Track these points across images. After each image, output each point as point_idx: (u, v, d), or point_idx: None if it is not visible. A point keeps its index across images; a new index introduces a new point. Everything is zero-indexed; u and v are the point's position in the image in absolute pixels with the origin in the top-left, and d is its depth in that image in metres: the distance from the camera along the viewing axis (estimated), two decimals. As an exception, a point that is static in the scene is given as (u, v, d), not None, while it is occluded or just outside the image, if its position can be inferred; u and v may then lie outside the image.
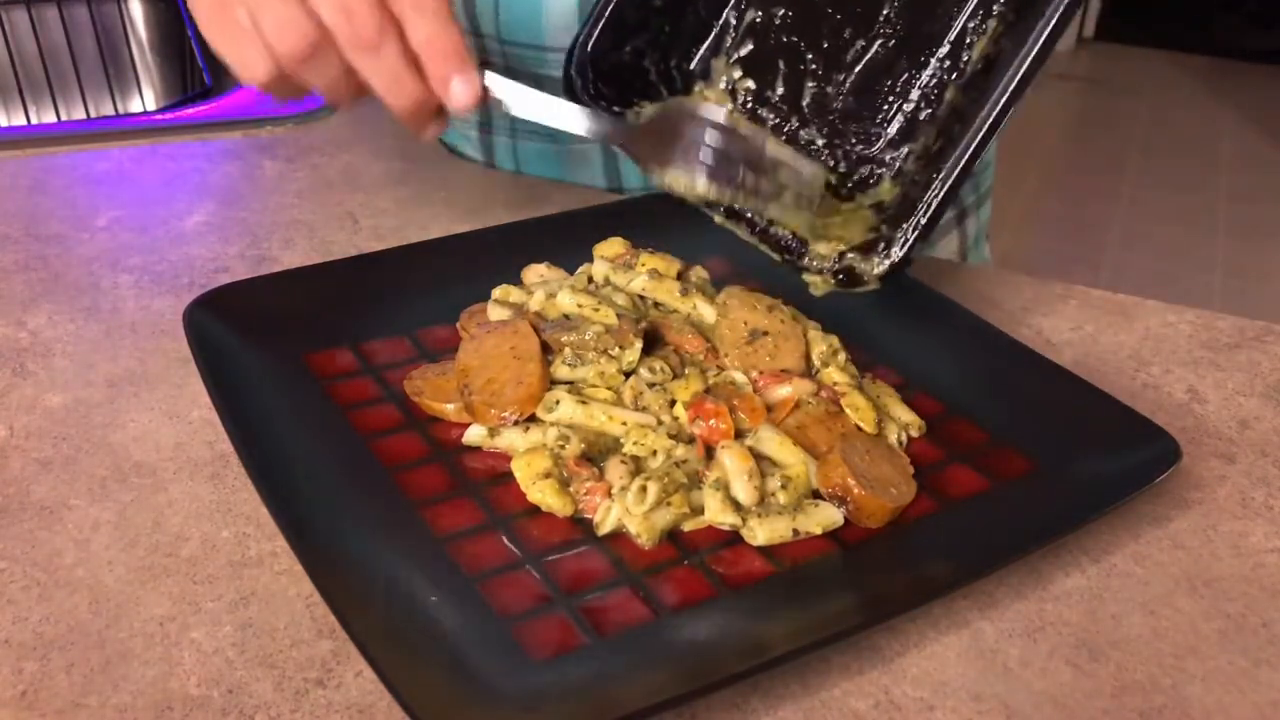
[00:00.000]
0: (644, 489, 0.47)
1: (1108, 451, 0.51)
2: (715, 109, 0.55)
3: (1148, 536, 0.50)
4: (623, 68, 0.63)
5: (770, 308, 0.57)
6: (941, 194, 0.53)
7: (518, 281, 0.62)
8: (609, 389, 0.52)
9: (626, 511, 0.47)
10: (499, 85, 0.53)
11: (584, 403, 0.51)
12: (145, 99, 1.15)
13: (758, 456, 0.49)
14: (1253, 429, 0.57)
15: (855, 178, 0.61)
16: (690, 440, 0.50)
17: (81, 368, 0.59)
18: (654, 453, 0.49)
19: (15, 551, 0.48)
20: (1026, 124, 3.45)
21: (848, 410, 0.52)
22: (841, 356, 0.55)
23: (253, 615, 0.45)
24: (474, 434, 0.52)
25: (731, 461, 0.48)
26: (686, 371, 0.53)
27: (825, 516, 0.48)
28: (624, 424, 0.50)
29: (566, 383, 0.53)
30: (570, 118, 0.55)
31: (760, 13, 0.64)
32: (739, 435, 0.50)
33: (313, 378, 0.55)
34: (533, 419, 0.51)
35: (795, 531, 0.47)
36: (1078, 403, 0.54)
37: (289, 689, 0.41)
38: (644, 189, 0.79)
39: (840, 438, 0.51)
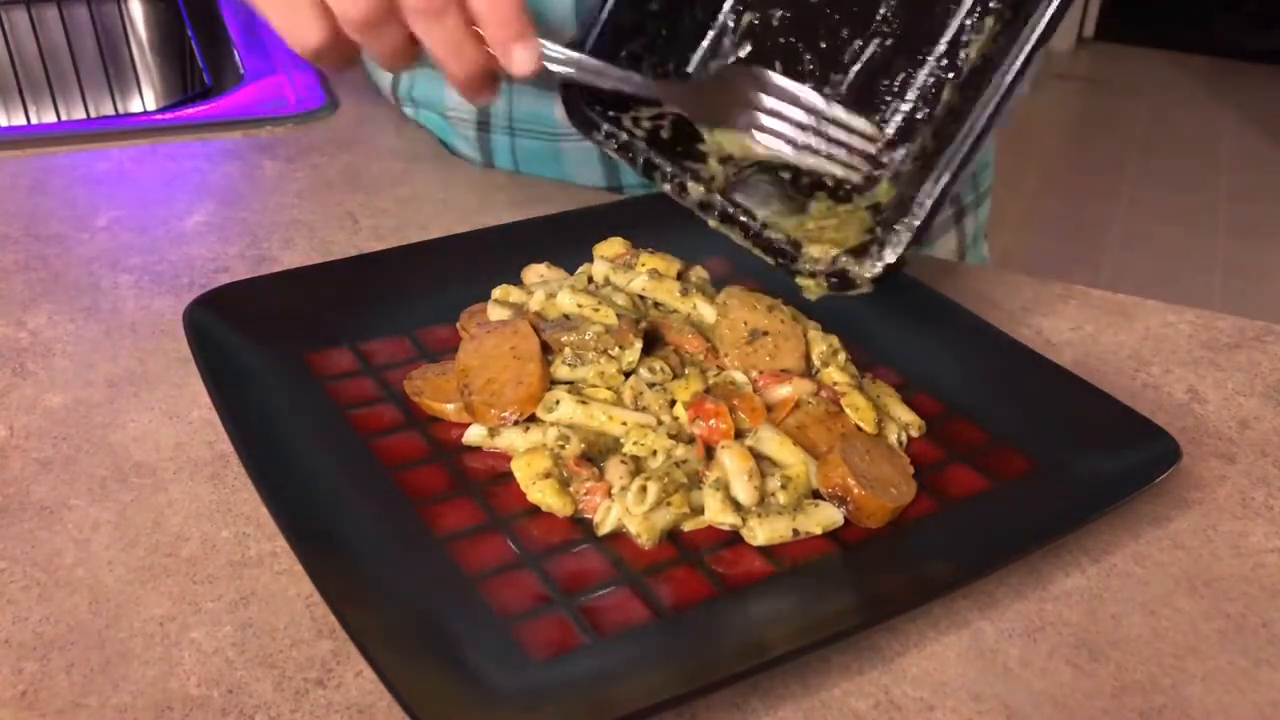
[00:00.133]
0: (644, 489, 0.47)
1: (1108, 451, 0.51)
2: (777, 75, 0.57)
3: (1148, 536, 0.50)
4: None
5: (770, 308, 0.57)
6: (935, 196, 0.53)
7: (518, 281, 0.62)
8: (609, 389, 0.52)
9: (626, 511, 0.47)
10: (555, 52, 0.54)
11: (584, 403, 0.51)
12: (145, 99, 1.15)
13: (758, 456, 0.49)
14: (1253, 429, 0.57)
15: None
16: (690, 440, 0.50)
17: (81, 368, 0.60)
18: (654, 453, 0.49)
19: (15, 551, 0.48)
20: (1026, 124, 3.46)
21: (848, 410, 0.52)
22: (841, 356, 0.55)
23: (253, 615, 0.45)
24: (474, 434, 0.52)
25: (731, 461, 0.48)
26: (686, 371, 0.53)
27: (825, 516, 0.48)
28: (624, 424, 0.50)
29: (566, 383, 0.53)
30: (624, 80, 0.57)
31: (758, 14, 0.64)
32: (739, 435, 0.50)
33: (313, 378, 0.55)
34: (533, 419, 0.51)
35: (795, 531, 0.47)
36: (1078, 403, 0.54)
37: (289, 689, 0.41)
38: (643, 188, 0.79)
39: (840, 438, 0.51)
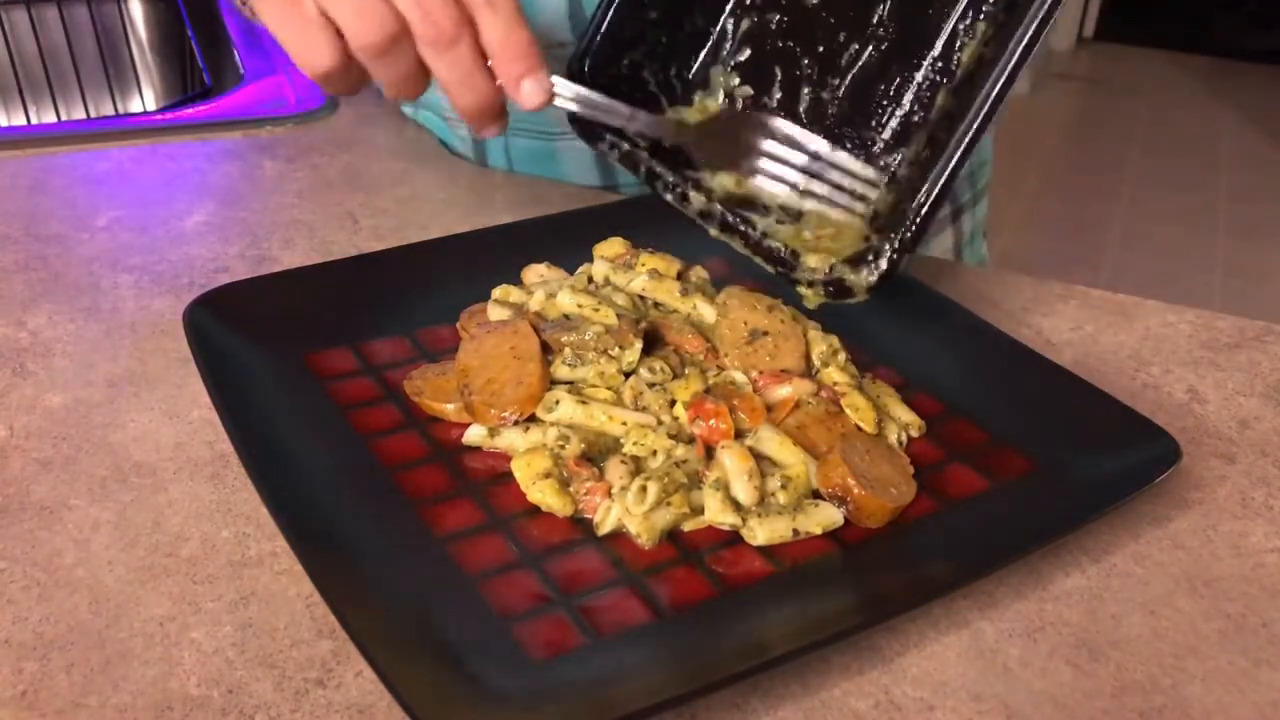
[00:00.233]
0: (644, 489, 0.47)
1: (1108, 451, 0.51)
2: (780, 119, 0.58)
3: (1148, 536, 0.50)
4: (621, 80, 0.63)
5: (770, 308, 0.57)
6: (929, 201, 0.54)
7: (518, 281, 0.62)
8: (609, 389, 0.52)
9: (626, 511, 0.47)
10: (564, 88, 0.54)
11: (584, 403, 0.51)
12: (145, 99, 1.15)
13: (758, 456, 0.49)
14: (1253, 429, 0.57)
15: None
16: (690, 440, 0.50)
17: (81, 368, 0.60)
18: (654, 453, 0.49)
19: (15, 551, 0.48)
20: (1026, 124, 3.46)
21: (848, 410, 0.52)
22: (841, 356, 0.55)
23: (253, 615, 0.45)
24: (474, 434, 0.52)
25: (731, 461, 0.48)
26: (686, 371, 0.53)
27: (825, 516, 0.48)
28: (624, 424, 0.50)
29: (566, 383, 0.53)
30: (631, 118, 0.56)
31: (756, 18, 0.64)
32: (739, 435, 0.50)
33: (313, 378, 0.55)
34: (533, 419, 0.51)
35: (795, 531, 0.47)
36: (1078, 403, 0.54)
37: (289, 689, 0.41)
38: (638, 188, 0.79)
39: (840, 438, 0.51)
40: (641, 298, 0.59)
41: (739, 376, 0.53)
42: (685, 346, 0.55)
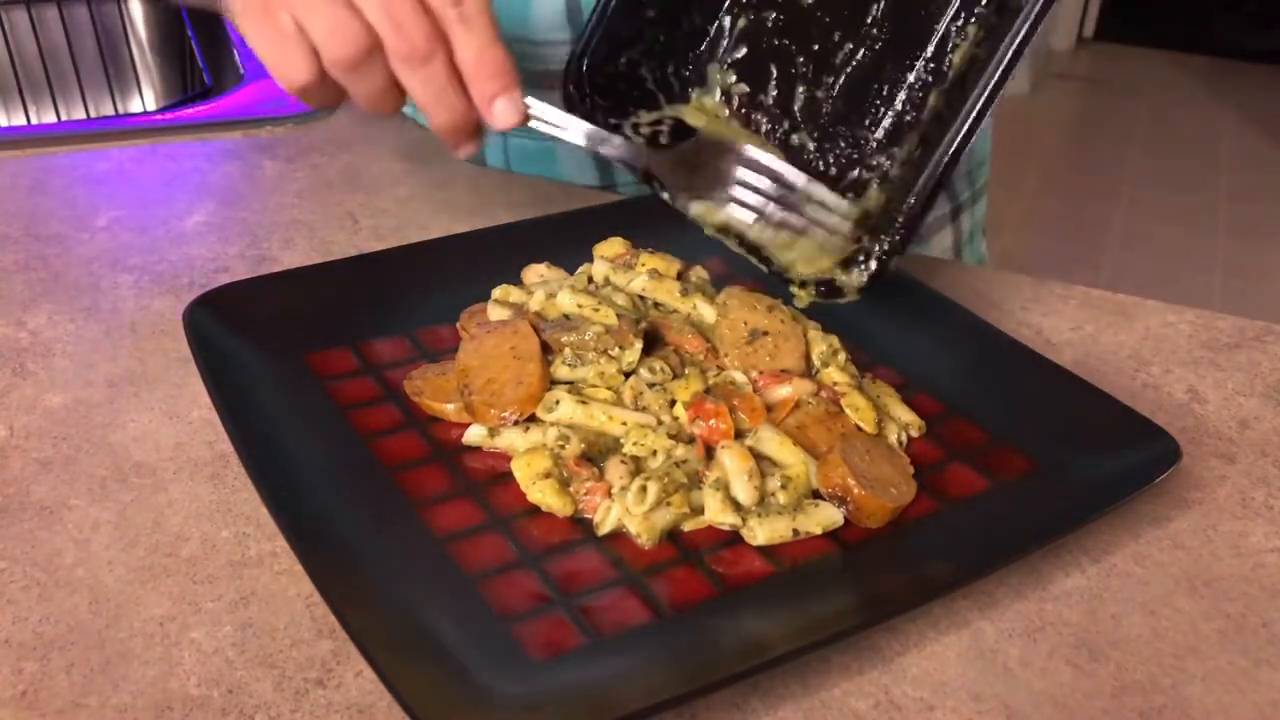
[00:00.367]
0: (644, 489, 0.47)
1: (1108, 451, 0.51)
2: (750, 146, 0.57)
3: (1148, 536, 0.50)
4: (619, 78, 0.63)
5: (770, 308, 0.57)
6: (920, 201, 0.54)
7: (518, 281, 0.62)
8: (609, 389, 0.52)
9: (626, 511, 0.47)
10: (539, 109, 0.53)
11: (584, 403, 0.51)
12: (145, 99, 1.15)
13: (758, 456, 0.49)
14: (1253, 429, 0.57)
15: (845, 182, 0.61)
16: (690, 440, 0.50)
17: (81, 368, 0.60)
18: (654, 453, 0.49)
19: (15, 551, 0.48)
20: (1026, 124, 3.46)
21: (848, 410, 0.52)
22: (841, 356, 0.55)
23: (253, 615, 0.45)
24: (474, 434, 0.52)
25: (731, 461, 0.48)
26: (686, 371, 0.53)
27: (825, 516, 0.48)
28: (624, 424, 0.50)
29: (566, 383, 0.53)
30: (605, 143, 0.56)
31: (753, 16, 0.64)
32: (739, 435, 0.50)
33: (313, 378, 0.55)
34: (533, 419, 0.51)
35: (795, 531, 0.47)
36: (1078, 403, 0.54)
37: (289, 689, 0.41)
38: (636, 187, 0.79)
39: (840, 438, 0.51)
40: (641, 298, 0.59)
41: (739, 376, 0.53)
42: (685, 346, 0.55)
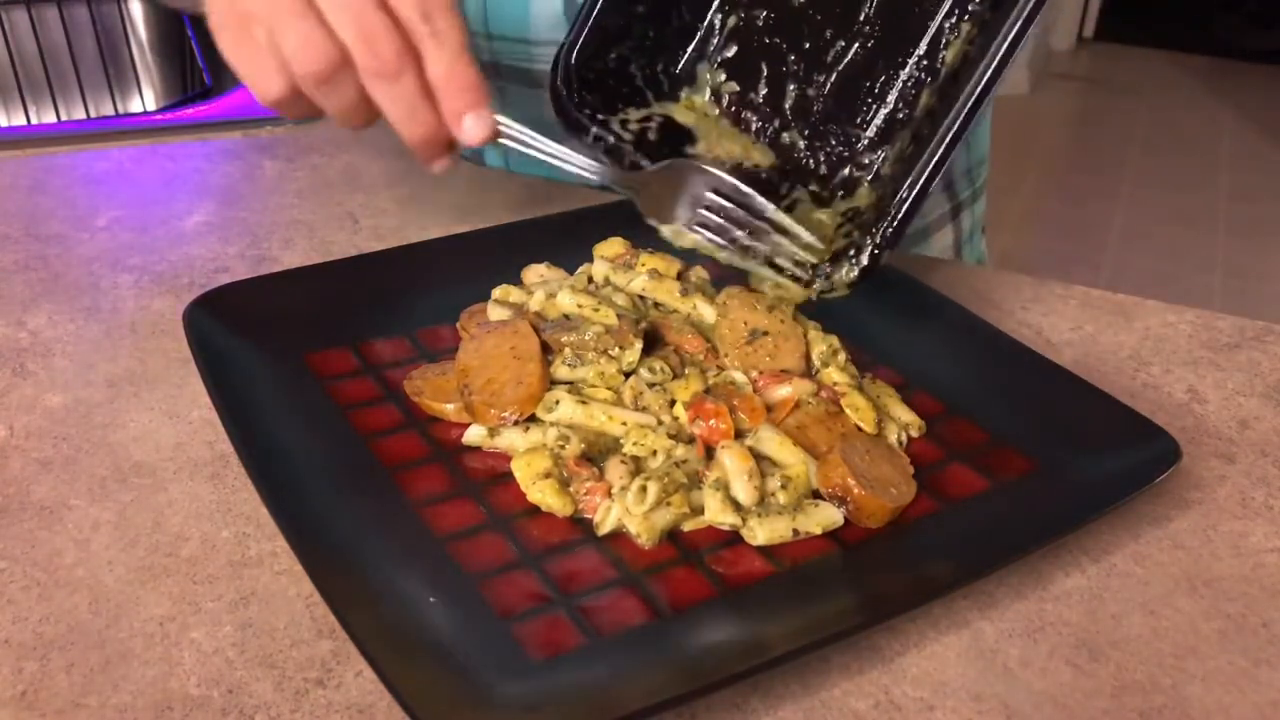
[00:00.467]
0: (644, 489, 0.47)
1: (1108, 451, 0.51)
2: (721, 171, 0.56)
3: (1148, 536, 0.50)
4: (608, 74, 0.63)
5: (770, 308, 0.57)
6: (911, 197, 0.53)
7: (518, 281, 0.62)
8: (609, 389, 0.52)
9: (626, 511, 0.47)
10: (510, 126, 0.53)
11: (584, 403, 0.51)
12: (145, 99, 1.15)
13: (758, 456, 0.49)
14: (1253, 429, 0.57)
15: (836, 180, 0.61)
16: (690, 440, 0.50)
17: (81, 368, 0.60)
18: (654, 453, 0.49)
19: (15, 551, 0.48)
20: (1026, 124, 3.46)
21: (848, 410, 0.52)
22: (841, 356, 0.55)
23: (253, 615, 0.45)
24: (474, 434, 0.52)
25: (731, 461, 0.48)
26: (686, 371, 0.53)
27: (825, 516, 0.48)
28: (624, 424, 0.50)
29: (566, 383, 0.53)
30: (578, 163, 0.55)
31: (743, 15, 0.64)
32: (739, 435, 0.50)
33: (313, 378, 0.55)
34: (533, 419, 0.51)
35: (795, 531, 0.47)
36: (1078, 403, 0.54)
37: (289, 689, 0.41)
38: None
39: (840, 438, 0.51)
40: (641, 298, 0.59)
41: (739, 376, 0.53)
42: (685, 346, 0.55)
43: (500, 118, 0.53)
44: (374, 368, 0.57)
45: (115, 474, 0.52)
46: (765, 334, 0.55)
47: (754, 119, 0.64)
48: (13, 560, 0.47)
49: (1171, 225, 2.92)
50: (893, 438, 0.53)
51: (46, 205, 0.77)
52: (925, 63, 0.59)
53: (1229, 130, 3.50)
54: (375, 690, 0.41)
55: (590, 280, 0.60)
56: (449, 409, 0.53)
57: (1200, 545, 0.50)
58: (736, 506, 0.47)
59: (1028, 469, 0.51)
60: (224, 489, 0.51)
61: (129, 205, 0.77)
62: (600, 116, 0.61)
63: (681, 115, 0.65)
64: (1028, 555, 0.47)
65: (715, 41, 0.65)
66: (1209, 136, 3.46)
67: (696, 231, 0.56)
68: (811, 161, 0.62)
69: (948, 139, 0.53)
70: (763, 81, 0.64)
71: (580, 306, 0.56)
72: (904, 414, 0.54)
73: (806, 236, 0.56)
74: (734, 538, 0.47)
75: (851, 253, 0.55)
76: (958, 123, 0.53)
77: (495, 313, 0.58)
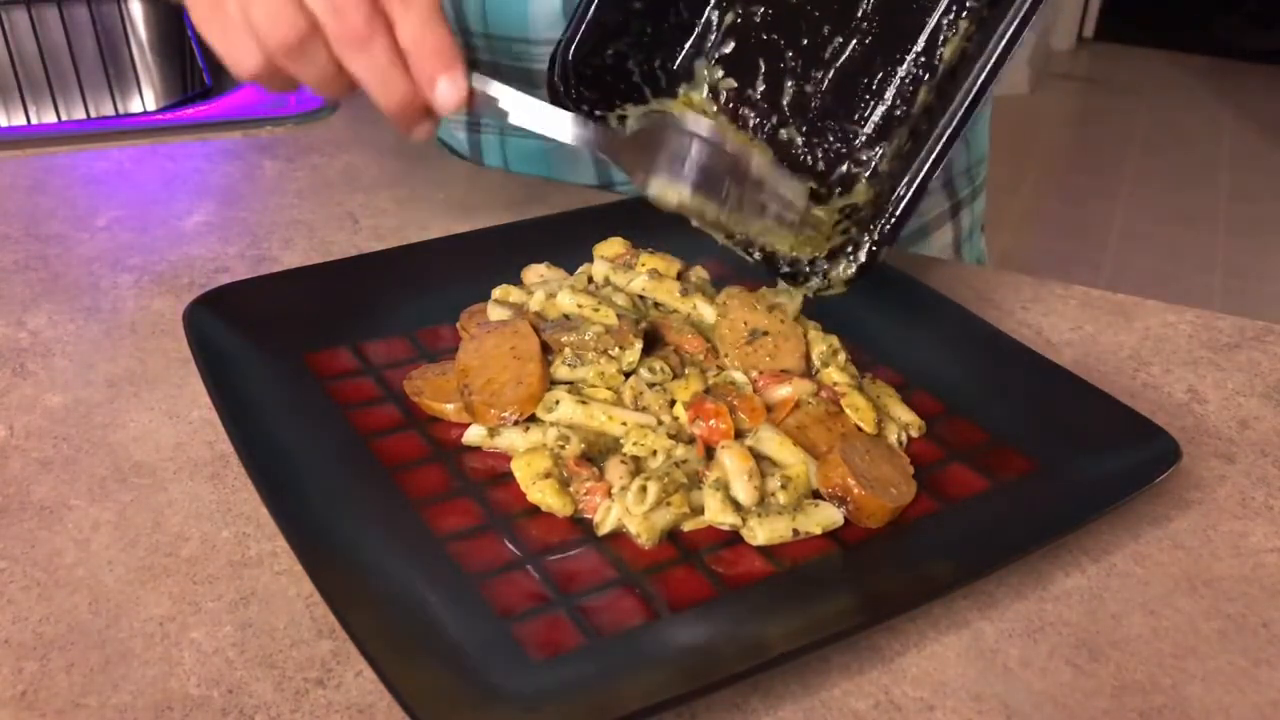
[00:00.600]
0: (644, 489, 0.47)
1: (1108, 451, 0.51)
2: (702, 122, 0.56)
3: (1148, 536, 0.50)
4: (605, 70, 0.63)
5: (770, 308, 0.57)
6: (908, 194, 0.53)
7: (518, 281, 0.62)
8: (609, 389, 0.52)
9: (626, 511, 0.47)
10: (487, 88, 0.53)
11: (584, 403, 0.51)
12: (145, 99, 1.15)
13: (758, 456, 0.49)
14: (1253, 429, 0.57)
15: (834, 177, 0.61)
16: (690, 440, 0.50)
17: (81, 368, 0.60)
18: (654, 453, 0.49)
19: (15, 551, 0.48)
20: (1026, 123, 3.46)
21: (848, 410, 0.52)
22: (841, 356, 0.55)
23: (253, 615, 0.45)
24: (474, 434, 0.52)
25: (731, 461, 0.48)
26: (686, 371, 0.53)
27: (825, 516, 0.48)
28: (624, 424, 0.50)
29: (566, 383, 0.53)
30: (558, 124, 0.55)
31: (740, 11, 0.64)
32: (739, 435, 0.50)
33: (313, 378, 0.55)
34: (533, 419, 0.51)
35: (795, 531, 0.47)
36: (1078, 403, 0.54)
37: (289, 689, 0.41)
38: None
39: (840, 438, 0.51)
40: (641, 298, 0.59)
41: (739, 376, 0.53)
42: (685, 346, 0.55)
43: (477, 78, 0.52)
44: (374, 368, 0.57)
45: (115, 474, 0.52)
46: (765, 334, 0.55)
47: (751, 115, 0.64)
48: (13, 560, 0.47)
49: (1171, 225, 2.92)
50: (893, 438, 0.53)
51: (46, 205, 0.77)
52: (923, 59, 0.59)
53: (1229, 130, 3.50)
54: (375, 690, 0.41)
55: (590, 280, 0.60)
56: (449, 409, 0.53)
57: (1200, 545, 0.50)
58: (736, 506, 0.47)
59: (1028, 469, 0.51)
60: (224, 489, 0.51)
61: (129, 205, 0.77)
62: (598, 113, 0.61)
63: (679, 111, 0.65)
64: (1028, 555, 0.47)
65: (713, 38, 0.65)
66: (1209, 136, 3.46)
67: (679, 188, 0.54)
68: (809, 158, 0.62)
69: (945, 136, 0.53)
70: (760, 78, 0.64)
71: (580, 306, 0.56)
72: (904, 414, 0.54)
73: (785, 190, 0.55)
74: (734, 538, 0.47)
75: (849, 249, 0.55)
76: (956, 120, 0.53)
77: (495, 313, 0.58)
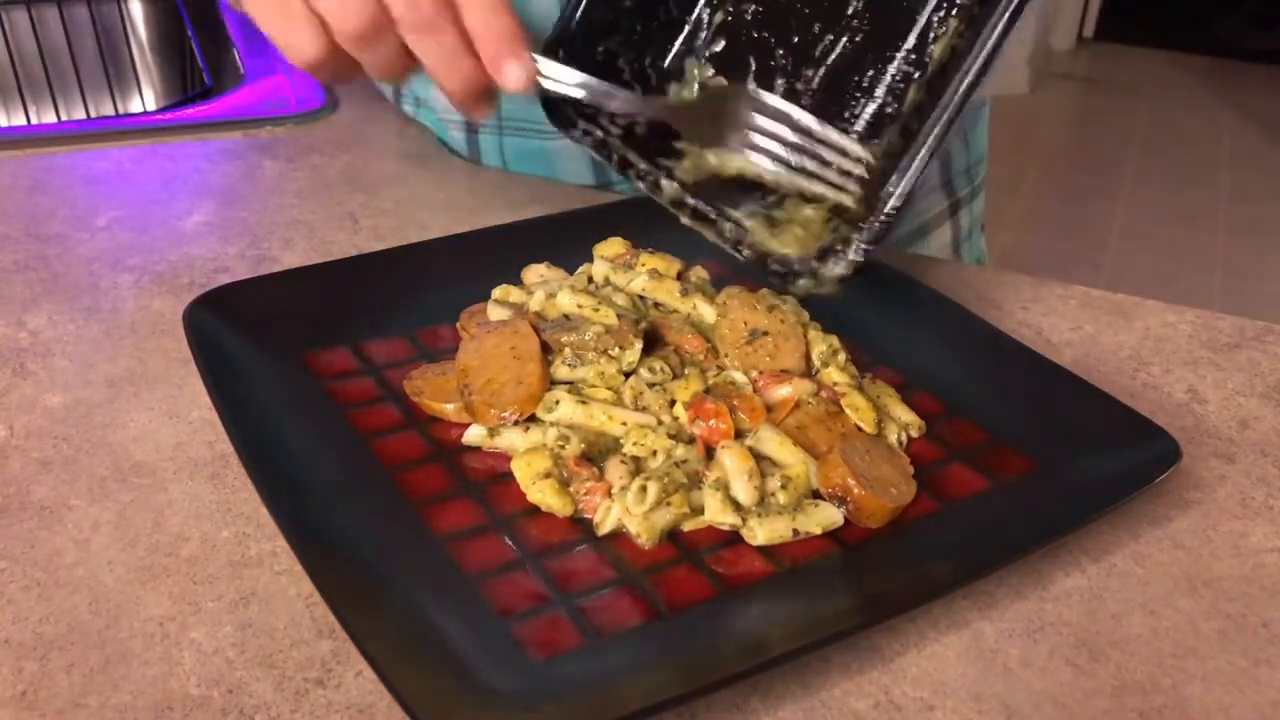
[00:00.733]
0: (644, 489, 0.47)
1: (1108, 451, 0.51)
2: (764, 93, 0.57)
3: (1148, 536, 0.50)
4: (595, 69, 0.63)
5: (770, 308, 0.57)
6: (898, 192, 0.53)
7: (518, 281, 0.62)
8: (609, 389, 0.52)
9: (626, 511, 0.47)
10: (549, 69, 0.54)
11: (584, 403, 0.51)
12: (145, 99, 1.15)
13: (758, 456, 0.49)
14: (1253, 429, 0.57)
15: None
16: (690, 440, 0.50)
17: (81, 368, 0.60)
18: (654, 453, 0.49)
19: (15, 551, 0.48)
20: (1026, 123, 3.46)
21: (848, 410, 0.52)
22: (841, 356, 0.55)
23: (253, 615, 0.45)
24: (474, 434, 0.52)
25: (731, 461, 0.48)
26: (686, 371, 0.53)
27: (825, 516, 0.48)
28: (624, 424, 0.50)
29: (566, 383, 0.53)
30: (618, 98, 0.56)
31: (730, 9, 0.64)
32: (739, 435, 0.50)
33: (313, 378, 0.55)
34: (533, 419, 0.51)
35: (795, 531, 0.47)
36: (1078, 403, 0.54)
37: (289, 689, 0.41)
38: (631, 185, 0.79)
39: (840, 438, 0.51)
40: (641, 298, 0.59)
41: (739, 376, 0.53)
42: (685, 346, 0.55)
43: (539, 58, 0.53)
44: (374, 368, 0.57)
45: (115, 474, 0.52)
46: (765, 334, 0.55)
47: None
48: (13, 560, 0.47)
49: (1171, 225, 2.92)
50: (893, 438, 0.53)
51: (46, 205, 0.77)
52: (914, 57, 0.59)
53: (1229, 130, 3.50)
54: (375, 690, 0.41)
55: (590, 280, 0.60)
56: (449, 409, 0.53)
57: (1200, 545, 0.50)
58: (736, 506, 0.47)
59: (1028, 469, 0.51)
60: (224, 489, 0.51)
61: (129, 205, 0.77)
62: (589, 111, 0.61)
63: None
64: (1028, 555, 0.47)
65: (703, 36, 0.65)
66: (1209, 136, 3.46)
67: (745, 153, 0.56)
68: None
69: (936, 133, 0.53)
70: (751, 76, 0.64)
71: (580, 306, 0.56)
72: (904, 414, 0.54)
73: (856, 149, 0.56)
74: (734, 538, 0.47)
75: (839, 248, 0.55)
76: (946, 117, 0.53)
77: (495, 313, 0.58)
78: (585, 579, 0.45)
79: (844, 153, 0.57)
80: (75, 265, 0.69)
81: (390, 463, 0.50)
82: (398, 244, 0.69)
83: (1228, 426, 0.57)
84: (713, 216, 0.58)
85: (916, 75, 0.59)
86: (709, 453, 0.50)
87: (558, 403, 0.51)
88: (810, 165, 0.56)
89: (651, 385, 0.52)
